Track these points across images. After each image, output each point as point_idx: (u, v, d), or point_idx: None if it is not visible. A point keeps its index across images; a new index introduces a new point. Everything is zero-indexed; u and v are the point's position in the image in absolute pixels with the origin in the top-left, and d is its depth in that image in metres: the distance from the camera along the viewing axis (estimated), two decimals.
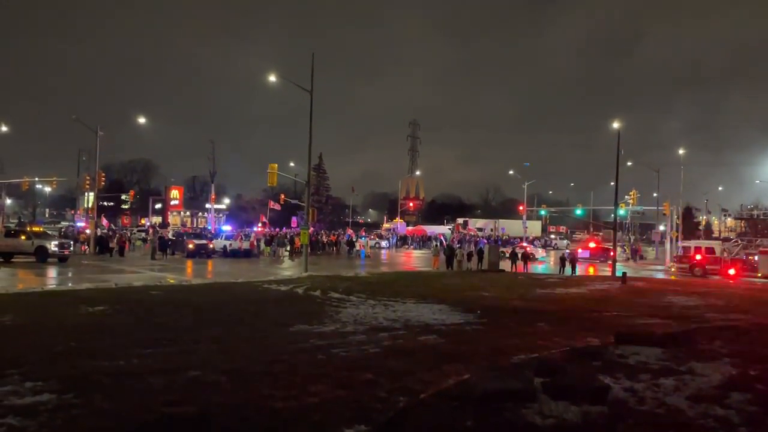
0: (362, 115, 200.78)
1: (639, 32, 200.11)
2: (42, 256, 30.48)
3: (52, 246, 31.31)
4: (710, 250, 37.77)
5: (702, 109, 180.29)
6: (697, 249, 38.49)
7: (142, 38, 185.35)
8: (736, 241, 43.62)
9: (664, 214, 53.93)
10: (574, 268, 34.78)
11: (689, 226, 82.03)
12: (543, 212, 79.50)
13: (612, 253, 39.27)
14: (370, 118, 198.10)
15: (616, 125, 37.77)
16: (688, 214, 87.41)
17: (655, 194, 57.04)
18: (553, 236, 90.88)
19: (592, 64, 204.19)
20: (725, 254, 37.83)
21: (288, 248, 45.57)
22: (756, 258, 36.65)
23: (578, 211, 72.66)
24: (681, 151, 60.03)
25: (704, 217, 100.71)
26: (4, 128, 50.36)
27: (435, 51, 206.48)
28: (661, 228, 58.62)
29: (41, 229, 35.80)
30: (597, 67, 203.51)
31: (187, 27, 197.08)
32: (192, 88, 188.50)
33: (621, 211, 53.62)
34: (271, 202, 65.75)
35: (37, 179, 60.20)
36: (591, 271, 40.14)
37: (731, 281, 32.85)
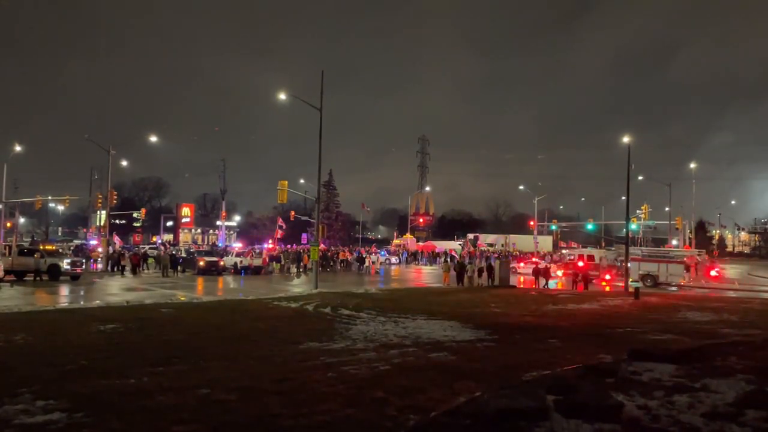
0: (377, 131, 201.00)
1: (670, 48, 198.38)
2: (54, 274, 30.76)
3: (65, 264, 31.66)
4: (591, 258, 41.01)
5: (750, 122, 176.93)
6: (580, 256, 42.63)
7: (158, 57, 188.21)
8: (612, 250, 47.69)
9: (677, 229, 53.68)
10: (586, 284, 34.48)
11: (702, 240, 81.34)
12: (554, 227, 79.10)
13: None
14: (384, 134, 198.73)
15: (626, 139, 37.82)
16: (701, 228, 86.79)
17: (667, 208, 56.79)
18: (565, 251, 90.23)
19: (619, 80, 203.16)
20: (603, 261, 41.00)
21: (296, 265, 45.64)
22: (629, 265, 39.10)
23: (589, 226, 72.35)
24: (692, 165, 60.05)
25: (717, 231, 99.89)
26: (18, 148, 51.05)
27: (457, 66, 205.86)
28: (674, 242, 58.29)
29: (54, 248, 36.16)
30: (625, 84, 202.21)
31: (205, 45, 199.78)
32: (207, 105, 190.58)
33: (633, 226, 53.43)
34: (280, 219, 66.04)
35: (50, 198, 60.73)
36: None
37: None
